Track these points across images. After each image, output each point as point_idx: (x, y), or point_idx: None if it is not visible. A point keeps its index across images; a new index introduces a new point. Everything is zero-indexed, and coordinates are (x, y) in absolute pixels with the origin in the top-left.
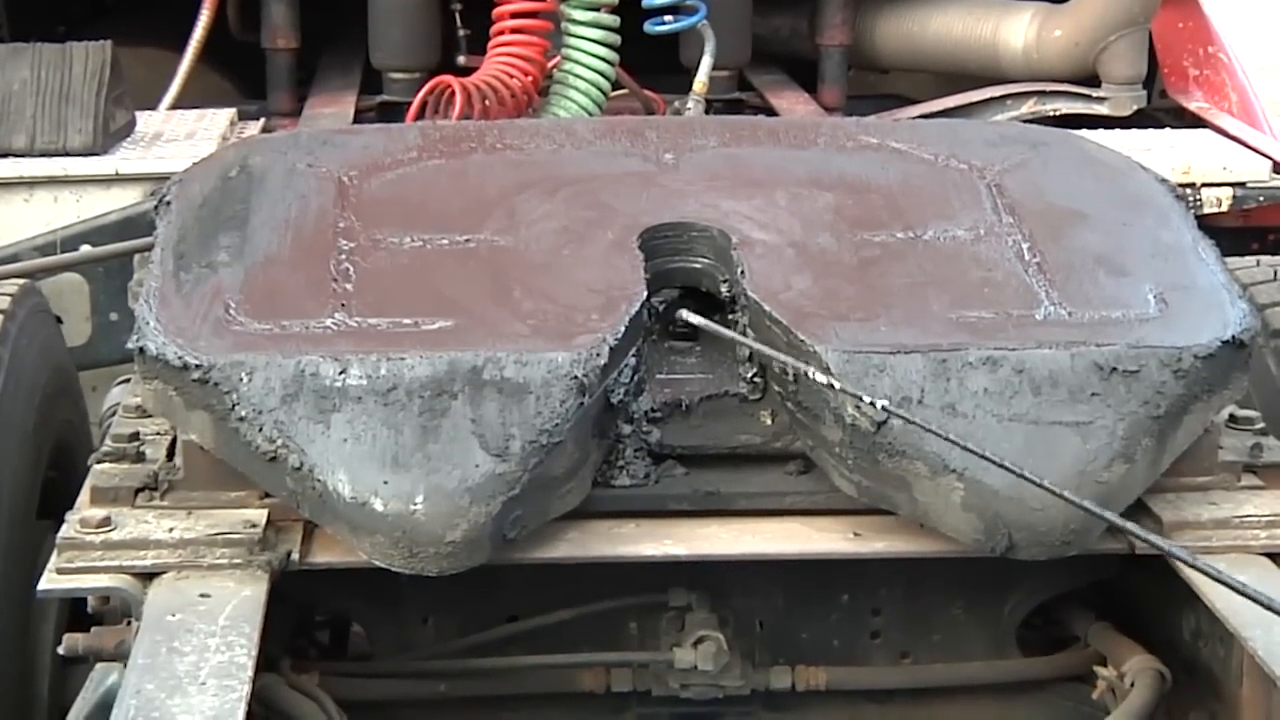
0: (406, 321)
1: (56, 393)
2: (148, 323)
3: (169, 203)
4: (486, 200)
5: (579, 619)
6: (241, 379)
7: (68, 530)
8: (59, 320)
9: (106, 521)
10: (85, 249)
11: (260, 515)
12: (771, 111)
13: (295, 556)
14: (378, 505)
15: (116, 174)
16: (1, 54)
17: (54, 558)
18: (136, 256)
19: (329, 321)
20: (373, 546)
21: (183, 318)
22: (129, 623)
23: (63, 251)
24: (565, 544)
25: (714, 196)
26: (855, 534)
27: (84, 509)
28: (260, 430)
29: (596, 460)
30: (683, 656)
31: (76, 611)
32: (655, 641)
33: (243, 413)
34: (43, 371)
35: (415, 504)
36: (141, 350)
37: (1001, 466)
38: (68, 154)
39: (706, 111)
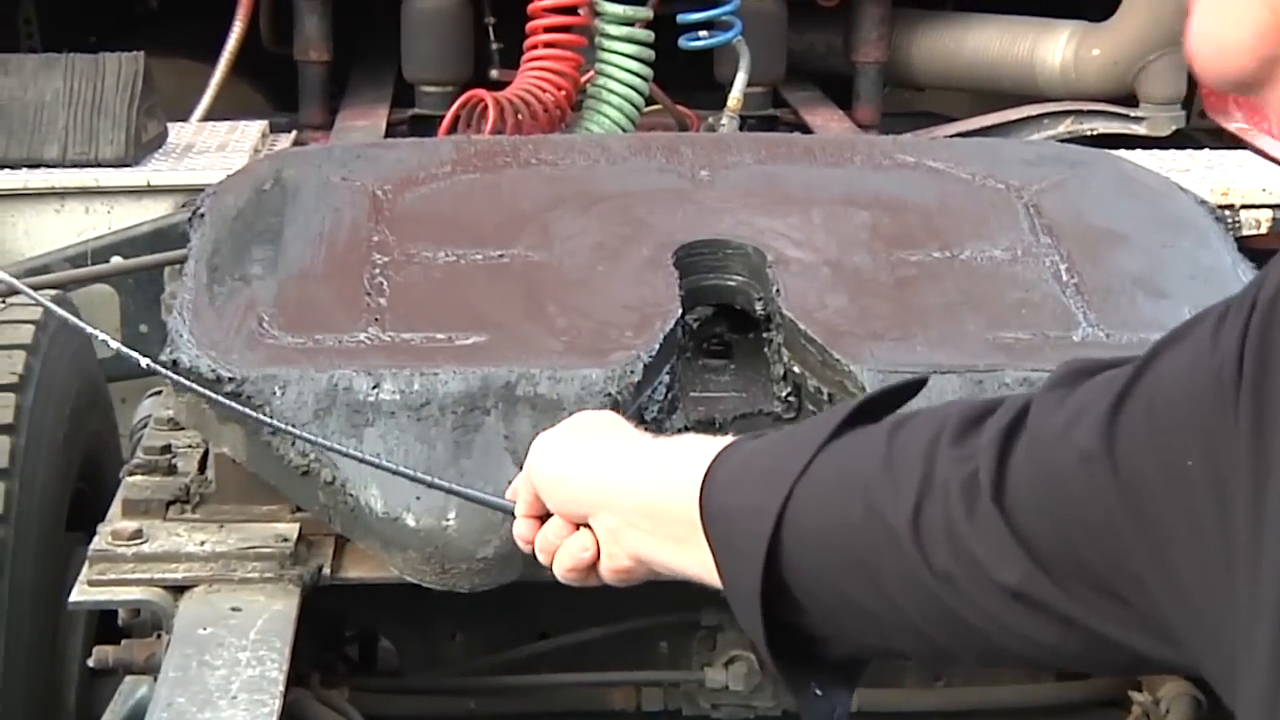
0: (440, 336)
1: (87, 404)
2: (181, 335)
3: (203, 215)
4: (521, 215)
5: (610, 637)
6: (274, 392)
7: (99, 542)
8: None
9: (138, 534)
10: (116, 260)
11: (292, 529)
12: (806, 128)
13: (326, 571)
14: (410, 520)
15: (148, 185)
16: (34, 65)
17: (85, 569)
18: (167, 269)
19: (362, 336)
20: (404, 562)
21: (216, 330)
22: (159, 636)
23: (93, 263)
24: None
25: (749, 214)
26: None
27: (115, 521)
28: (293, 444)
29: None
30: (714, 676)
31: (104, 624)
32: (686, 661)
33: None
34: (73, 383)
35: (447, 520)
36: (175, 363)
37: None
38: (99, 165)
39: (741, 128)
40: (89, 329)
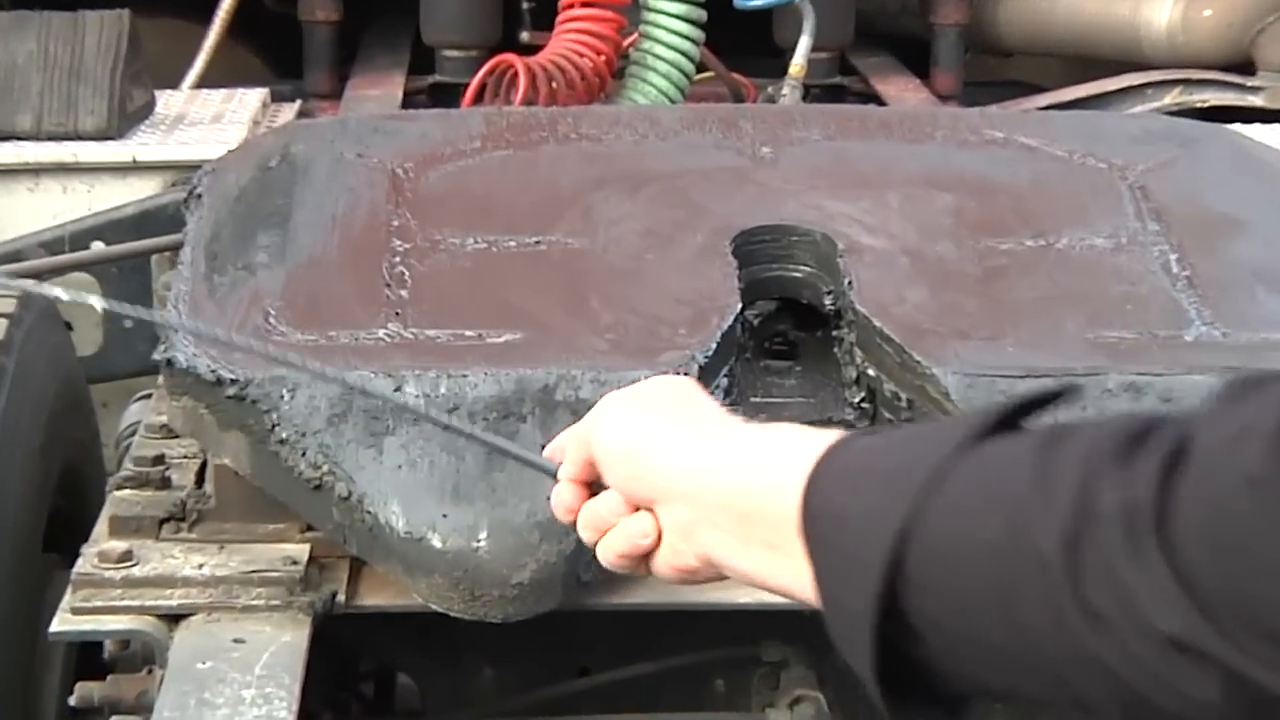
0: (469, 334)
1: (66, 409)
2: (176, 331)
3: (200, 195)
4: (560, 197)
5: (659, 673)
6: (283, 396)
7: (84, 565)
8: (68, 326)
9: (128, 555)
10: (97, 246)
11: (302, 551)
12: (877, 99)
13: (341, 598)
14: (436, 541)
15: (133, 161)
16: (4, 23)
17: (68, 595)
18: (155, 257)
19: (381, 332)
20: (429, 588)
21: (217, 326)
22: (150, 671)
23: (72, 249)
24: (645, 588)
25: (817, 196)
26: None
27: (102, 541)
28: (303, 454)
29: None
30: (777, 718)
31: (85, 656)
32: (745, 701)
33: (284, 434)
34: (51, 384)
35: (478, 540)
36: (170, 362)
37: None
38: (79, 137)
39: (804, 98)
40: (96, 300)
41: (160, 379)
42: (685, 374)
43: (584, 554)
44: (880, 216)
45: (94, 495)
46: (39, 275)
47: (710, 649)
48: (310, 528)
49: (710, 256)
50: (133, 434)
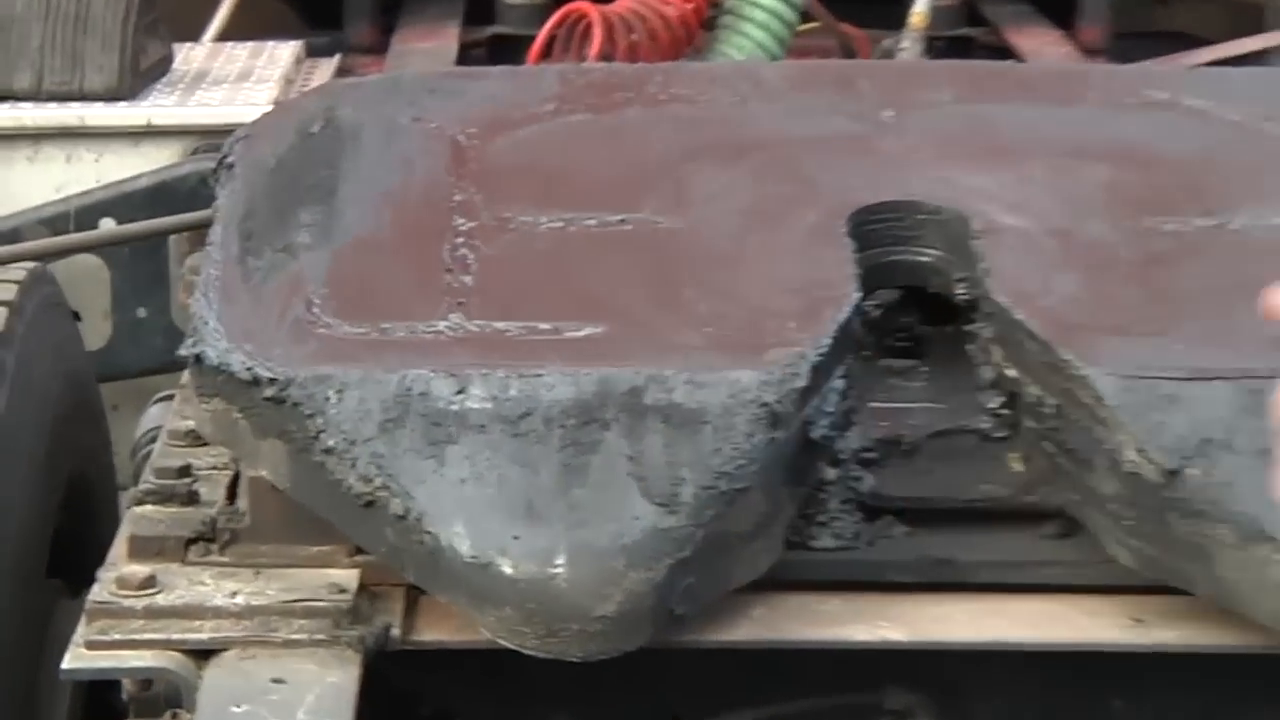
0: (544, 326)
1: (73, 411)
2: (206, 323)
3: (232, 165)
4: (647, 169)
5: None
6: (329, 398)
7: (100, 592)
8: (76, 317)
9: (150, 581)
10: (107, 224)
11: (350, 578)
12: (1012, 53)
13: (395, 632)
14: (506, 567)
15: (148, 125)
16: None
17: (82, 627)
18: (173, 237)
19: (442, 325)
20: (498, 621)
21: (252, 317)
22: (174, 714)
23: (78, 227)
24: (748, 624)
25: (948, 168)
26: (1134, 619)
27: (121, 564)
28: (353, 466)
29: (791, 514)
30: None
31: (96, 696)
32: None
33: (330, 442)
34: (56, 383)
35: (555, 566)
36: (199, 359)
37: None
38: (85, 98)
39: (926, 53)
40: None
41: (183, 377)
42: (795, 374)
43: (677, 583)
44: (1022, 192)
45: (104, 512)
46: (41, 257)
47: (822, 695)
48: (360, 551)
49: (823, 238)
50: (152, 441)
